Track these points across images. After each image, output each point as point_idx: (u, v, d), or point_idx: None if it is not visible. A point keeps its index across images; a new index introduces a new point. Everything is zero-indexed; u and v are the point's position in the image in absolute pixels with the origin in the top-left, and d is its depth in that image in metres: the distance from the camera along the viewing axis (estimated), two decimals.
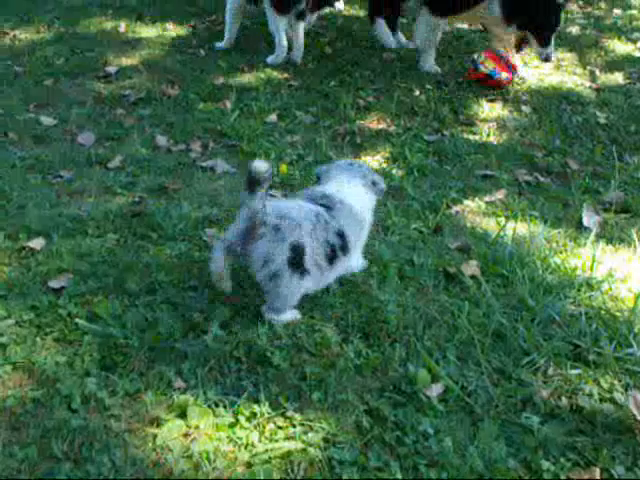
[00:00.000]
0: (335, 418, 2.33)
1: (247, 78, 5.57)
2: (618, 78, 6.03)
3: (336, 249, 2.77)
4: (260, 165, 2.55)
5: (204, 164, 4.19)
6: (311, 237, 2.68)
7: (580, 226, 3.74)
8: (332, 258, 2.77)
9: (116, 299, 2.84)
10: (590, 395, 2.50)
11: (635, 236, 3.55)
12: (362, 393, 2.44)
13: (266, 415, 2.32)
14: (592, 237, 3.51)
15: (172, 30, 6.67)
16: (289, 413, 2.34)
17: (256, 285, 2.79)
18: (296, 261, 2.64)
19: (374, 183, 3.01)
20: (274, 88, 5.38)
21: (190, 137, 4.55)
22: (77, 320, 2.69)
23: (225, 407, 2.34)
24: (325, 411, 2.36)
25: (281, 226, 2.62)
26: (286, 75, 5.66)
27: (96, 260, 3.11)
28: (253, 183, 2.55)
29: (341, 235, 2.79)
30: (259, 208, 2.58)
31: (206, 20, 6.95)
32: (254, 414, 2.33)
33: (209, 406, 2.34)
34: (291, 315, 2.77)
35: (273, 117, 4.88)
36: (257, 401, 2.37)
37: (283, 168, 4.01)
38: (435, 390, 2.45)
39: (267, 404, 2.36)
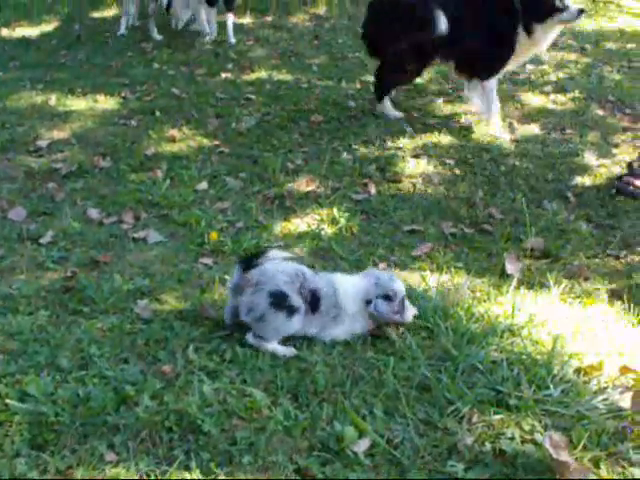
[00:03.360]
0: None
1: (178, 147, 5.67)
2: (534, 129, 6.32)
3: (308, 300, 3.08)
4: (276, 252, 3.22)
5: (136, 235, 4.23)
6: (289, 285, 3.04)
7: (503, 274, 3.89)
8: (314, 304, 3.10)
9: (47, 376, 2.85)
10: (512, 438, 2.59)
11: (552, 281, 3.72)
12: (292, 453, 2.49)
13: None
14: (514, 284, 3.66)
15: (103, 102, 6.76)
16: (220, 478, 2.37)
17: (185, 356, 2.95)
18: (279, 303, 3.01)
19: (386, 296, 3.19)
20: (204, 155, 5.49)
21: (122, 208, 4.59)
22: (7, 401, 2.69)
23: (156, 477, 2.37)
24: (255, 473, 2.40)
25: (260, 281, 3.05)
26: (216, 142, 5.79)
27: (27, 338, 3.12)
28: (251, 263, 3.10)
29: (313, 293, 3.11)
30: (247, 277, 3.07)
31: (137, 90, 7.07)
32: None
33: (141, 477, 2.36)
34: (277, 347, 3.05)
35: (204, 184, 4.96)
36: (188, 468, 2.40)
37: (213, 236, 4.09)
38: (362, 445, 2.51)
39: (198, 471, 2.39)
